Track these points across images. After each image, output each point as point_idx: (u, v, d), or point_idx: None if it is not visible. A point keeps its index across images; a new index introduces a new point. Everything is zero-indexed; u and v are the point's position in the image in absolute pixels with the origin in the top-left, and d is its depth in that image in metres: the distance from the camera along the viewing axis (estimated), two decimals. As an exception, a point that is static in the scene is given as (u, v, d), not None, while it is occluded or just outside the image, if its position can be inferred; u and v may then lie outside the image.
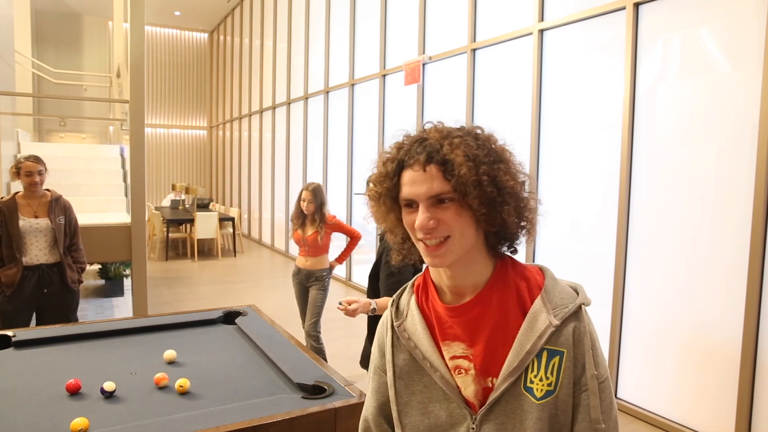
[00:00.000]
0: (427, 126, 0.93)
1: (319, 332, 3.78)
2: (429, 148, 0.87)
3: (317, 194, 3.71)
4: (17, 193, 3.41)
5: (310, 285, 3.82)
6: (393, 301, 1.03)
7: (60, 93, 11.12)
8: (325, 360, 3.78)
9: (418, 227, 0.86)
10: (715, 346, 2.97)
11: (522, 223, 0.91)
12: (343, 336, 4.90)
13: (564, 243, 3.90)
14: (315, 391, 1.81)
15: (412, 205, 0.88)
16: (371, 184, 0.94)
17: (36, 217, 3.40)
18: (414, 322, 0.96)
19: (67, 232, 3.48)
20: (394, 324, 0.99)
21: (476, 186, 0.85)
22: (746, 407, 2.80)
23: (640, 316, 3.37)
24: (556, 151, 3.96)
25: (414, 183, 0.87)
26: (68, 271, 3.44)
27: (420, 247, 0.89)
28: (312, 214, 3.71)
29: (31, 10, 10.58)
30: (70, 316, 3.49)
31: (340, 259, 3.92)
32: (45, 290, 3.39)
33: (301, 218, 3.78)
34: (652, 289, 3.30)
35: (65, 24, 12.72)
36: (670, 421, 3.17)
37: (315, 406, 1.67)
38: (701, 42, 3.04)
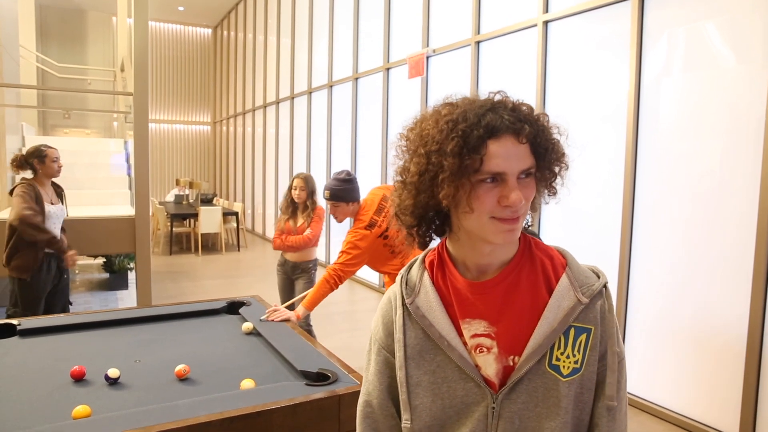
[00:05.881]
0: (494, 95, 0.91)
1: (311, 325, 3.67)
2: (523, 118, 0.83)
3: (309, 182, 3.69)
4: (26, 180, 3.39)
5: (296, 277, 3.74)
6: (401, 276, 0.97)
7: (64, 87, 11.13)
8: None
9: (513, 203, 0.80)
10: (720, 337, 2.96)
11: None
12: (346, 329, 4.91)
13: (568, 235, 3.89)
14: (319, 378, 1.81)
15: (495, 179, 0.82)
16: (431, 156, 0.84)
17: (52, 203, 3.48)
18: (428, 299, 0.91)
19: None
20: (406, 301, 0.93)
21: (556, 163, 0.87)
22: (752, 397, 2.80)
23: (645, 307, 3.36)
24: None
25: (509, 156, 0.81)
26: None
27: (491, 224, 0.83)
28: (303, 203, 3.69)
29: (35, 5, 10.59)
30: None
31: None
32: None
33: (291, 208, 3.74)
34: (657, 280, 3.29)
35: (69, 19, 12.74)
36: (674, 413, 3.17)
37: (319, 393, 1.68)
38: (707, 36, 3.02)
